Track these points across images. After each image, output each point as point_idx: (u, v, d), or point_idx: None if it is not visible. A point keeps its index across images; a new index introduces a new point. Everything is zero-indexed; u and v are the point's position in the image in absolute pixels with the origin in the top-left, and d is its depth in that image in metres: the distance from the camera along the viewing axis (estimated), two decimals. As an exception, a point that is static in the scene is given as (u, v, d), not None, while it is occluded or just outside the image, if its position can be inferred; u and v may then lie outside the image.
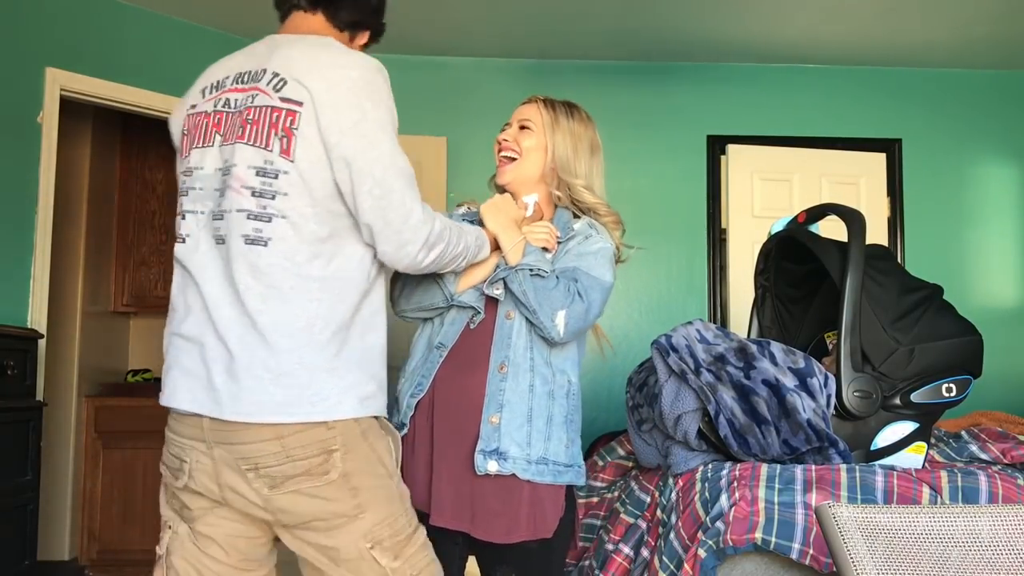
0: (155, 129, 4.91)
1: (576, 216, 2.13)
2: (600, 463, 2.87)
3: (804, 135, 4.57)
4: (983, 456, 2.43)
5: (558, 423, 1.97)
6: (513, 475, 1.90)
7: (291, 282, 1.59)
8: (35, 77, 3.69)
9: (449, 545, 1.94)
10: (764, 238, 2.76)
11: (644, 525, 2.37)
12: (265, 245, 1.59)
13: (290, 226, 1.59)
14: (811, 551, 1.96)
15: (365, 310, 1.69)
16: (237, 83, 1.67)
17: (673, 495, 2.26)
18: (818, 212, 2.59)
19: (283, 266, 1.59)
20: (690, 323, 2.45)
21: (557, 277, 1.96)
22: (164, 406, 1.70)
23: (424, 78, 4.51)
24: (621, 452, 2.86)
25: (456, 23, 4.17)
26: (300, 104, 1.58)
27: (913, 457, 2.30)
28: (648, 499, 2.44)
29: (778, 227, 2.69)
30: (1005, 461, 2.38)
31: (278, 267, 1.59)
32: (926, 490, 2.08)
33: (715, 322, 4.20)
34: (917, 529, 1.44)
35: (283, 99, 1.59)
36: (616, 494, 2.68)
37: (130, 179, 5.50)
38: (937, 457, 2.49)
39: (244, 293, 1.59)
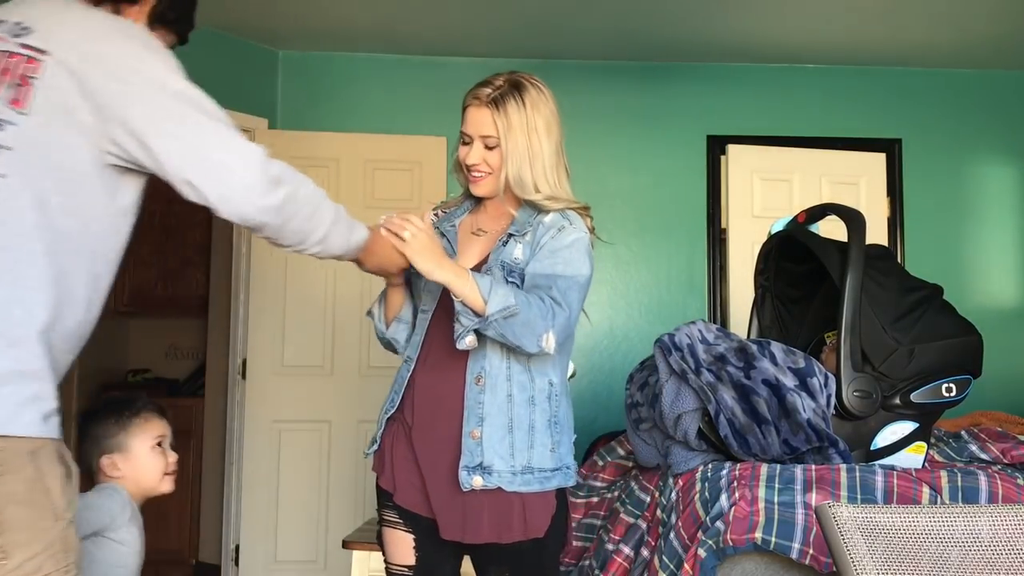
0: (155, 129, 4.93)
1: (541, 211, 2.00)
2: (600, 463, 2.86)
3: (804, 135, 4.57)
4: (983, 456, 2.43)
5: (540, 429, 1.92)
6: (499, 488, 1.88)
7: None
8: (35, 77, 3.69)
9: (440, 546, 1.96)
10: (764, 238, 2.76)
11: (644, 525, 2.37)
12: None
13: (9, 191, 1.36)
14: (811, 551, 1.97)
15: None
16: None
17: (673, 495, 2.26)
18: (818, 212, 2.59)
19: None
20: (692, 323, 2.45)
21: (528, 299, 1.82)
22: None
23: (424, 78, 4.51)
24: (621, 452, 2.86)
25: (456, 23, 4.17)
26: (43, 52, 1.38)
27: (913, 457, 2.30)
28: (648, 499, 2.44)
29: (778, 227, 2.69)
30: (1005, 461, 2.38)
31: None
32: (926, 490, 2.09)
33: (715, 322, 4.20)
34: (917, 529, 1.44)
35: (24, 45, 1.40)
36: (616, 494, 2.68)
37: (130, 179, 5.50)
38: (937, 457, 2.49)
39: None
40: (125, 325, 5.72)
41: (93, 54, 1.40)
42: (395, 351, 2.12)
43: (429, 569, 2.00)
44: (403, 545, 2.00)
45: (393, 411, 2.01)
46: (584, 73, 4.54)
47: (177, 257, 5.55)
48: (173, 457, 2.04)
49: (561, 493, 1.98)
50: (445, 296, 1.92)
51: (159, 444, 2.02)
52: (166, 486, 2.03)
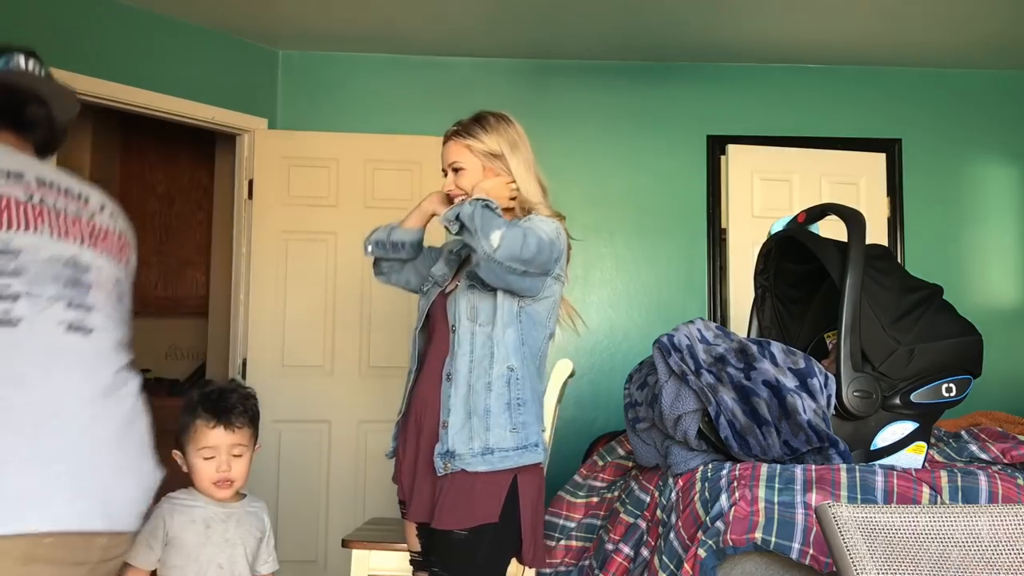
0: (155, 129, 4.92)
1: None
2: (600, 463, 2.87)
3: (804, 135, 4.56)
4: (983, 456, 2.43)
5: (497, 411, 2.08)
6: (462, 470, 2.05)
7: None
8: (35, 77, 3.68)
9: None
10: (764, 238, 2.76)
11: (644, 525, 2.37)
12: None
13: None
14: (811, 551, 1.97)
15: None
16: (49, 187, 1.62)
17: (673, 495, 2.26)
18: (818, 212, 2.59)
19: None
20: (691, 322, 2.45)
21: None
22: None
23: (424, 78, 4.51)
24: (621, 452, 2.86)
25: (456, 23, 4.17)
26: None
27: (913, 457, 2.30)
28: (648, 499, 2.44)
29: (778, 227, 2.70)
30: (1005, 461, 2.38)
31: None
32: (926, 490, 2.09)
33: (715, 322, 4.19)
34: (917, 529, 1.44)
35: (120, 231, 1.76)
36: (616, 494, 2.68)
37: (130, 179, 5.50)
38: (937, 457, 2.49)
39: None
40: (125, 325, 5.72)
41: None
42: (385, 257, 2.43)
43: (427, 553, 2.18)
44: (411, 533, 2.25)
45: (400, 417, 2.30)
46: (584, 73, 4.54)
47: (177, 257, 5.55)
48: (215, 467, 2.03)
49: (516, 482, 2.09)
50: (433, 311, 2.25)
51: (208, 457, 2.03)
52: (216, 493, 2.05)
